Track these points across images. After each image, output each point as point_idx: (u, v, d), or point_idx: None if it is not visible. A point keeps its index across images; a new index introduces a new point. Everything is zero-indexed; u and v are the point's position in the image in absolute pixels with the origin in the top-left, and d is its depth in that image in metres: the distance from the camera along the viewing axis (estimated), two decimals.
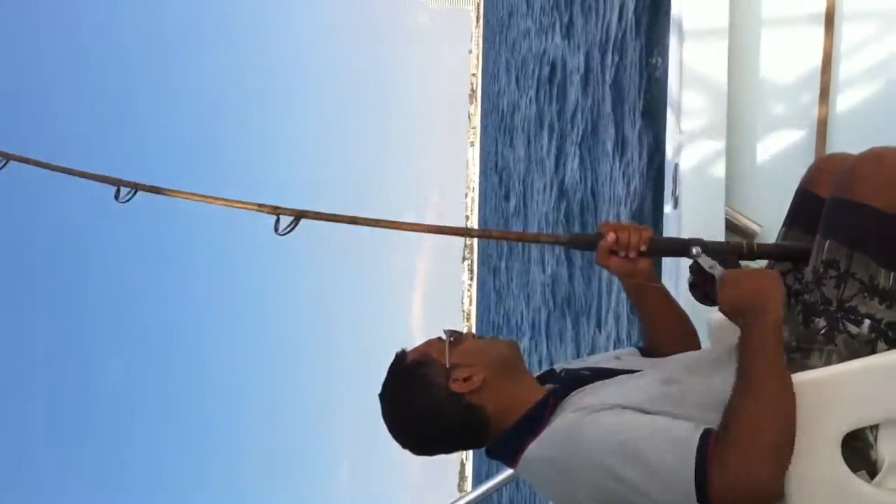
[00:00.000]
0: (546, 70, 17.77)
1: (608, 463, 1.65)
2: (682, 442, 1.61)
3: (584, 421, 1.74)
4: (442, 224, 2.26)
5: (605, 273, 2.11)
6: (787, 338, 1.98)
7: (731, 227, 2.74)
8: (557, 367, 2.13)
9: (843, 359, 1.77)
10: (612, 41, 10.70)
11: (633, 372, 1.96)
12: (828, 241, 1.84)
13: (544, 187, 16.85)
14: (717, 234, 2.68)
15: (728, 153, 2.78)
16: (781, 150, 2.89)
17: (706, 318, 2.28)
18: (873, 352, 1.77)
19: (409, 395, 1.96)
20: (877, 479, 1.73)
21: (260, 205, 2.27)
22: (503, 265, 27.58)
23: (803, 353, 1.83)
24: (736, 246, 2.08)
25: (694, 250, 1.99)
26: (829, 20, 2.84)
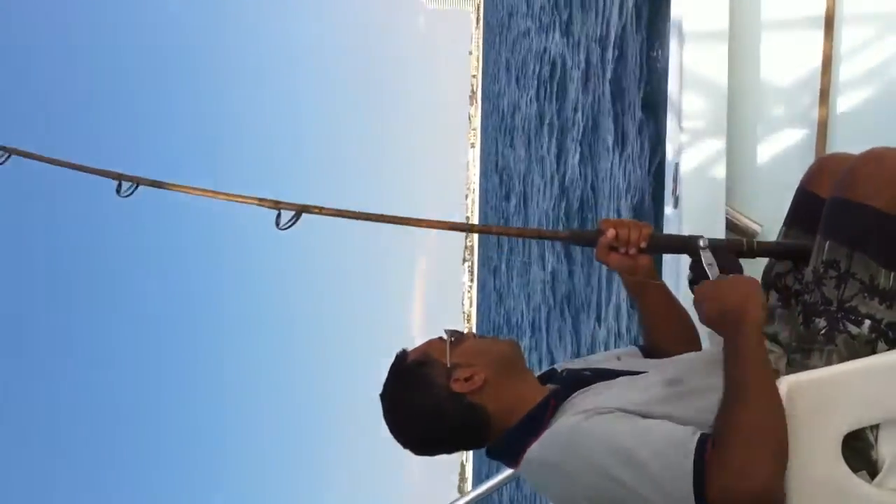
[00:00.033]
0: (546, 68, 17.76)
1: (607, 467, 1.65)
2: (680, 446, 1.61)
3: (584, 424, 1.73)
4: (443, 220, 2.26)
5: (605, 268, 2.12)
6: (788, 338, 1.99)
7: (731, 226, 2.75)
8: (559, 366, 2.13)
9: (843, 359, 1.78)
10: (612, 36, 10.69)
11: (634, 373, 1.95)
12: (828, 242, 1.85)
13: (544, 185, 16.84)
14: (718, 234, 2.68)
15: (728, 153, 2.78)
16: (782, 151, 2.90)
17: None
18: (874, 352, 1.77)
19: (410, 395, 1.96)
20: (877, 479, 1.73)
21: (261, 199, 2.28)
22: (503, 265, 27.56)
23: (804, 354, 1.83)
24: (736, 243, 2.08)
25: (701, 242, 2.00)
26: (829, 22, 2.85)
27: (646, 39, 8.80)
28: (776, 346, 2.06)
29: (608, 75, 10.79)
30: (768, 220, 2.70)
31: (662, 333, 2.17)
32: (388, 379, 2.01)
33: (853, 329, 1.78)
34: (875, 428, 1.75)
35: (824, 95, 2.83)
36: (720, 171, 2.77)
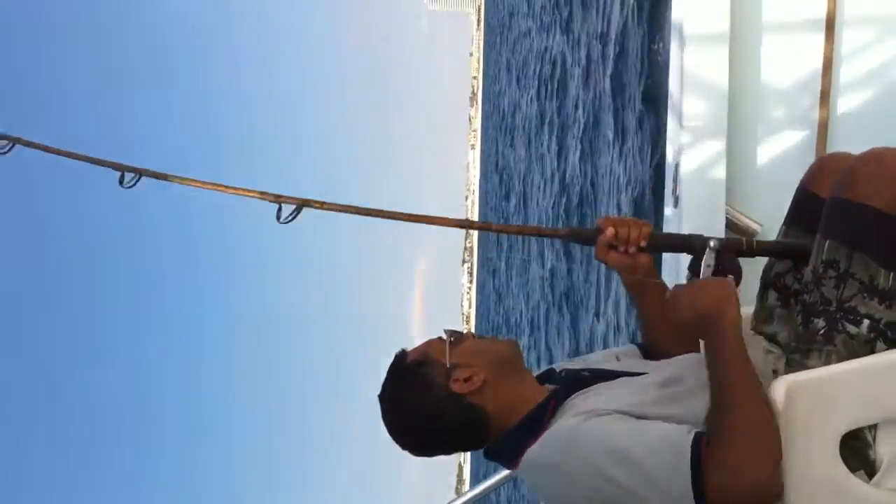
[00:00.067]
0: (547, 67, 17.76)
1: (605, 469, 1.66)
2: (676, 445, 1.62)
3: (583, 426, 1.74)
4: (443, 216, 2.26)
5: (603, 265, 2.12)
6: (787, 338, 1.99)
7: (731, 226, 2.75)
8: (557, 366, 2.12)
9: (842, 359, 1.78)
10: (613, 32, 10.67)
11: (633, 374, 1.95)
12: (828, 241, 1.85)
13: (544, 183, 16.84)
14: (718, 233, 2.68)
15: (729, 153, 2.78)
16: (782, 151, 2.90)
17: None
18: (872, 352, 1.77)
19: (409, 395, 1.95)
20: (875, 478, 1.74)
21: (262, 193, 2.28)
22: (503, 265, 27.55)
23: (802, 354, 1.84)
24: (735, 242, 2.08)
25: (712, 243, 2.00)
26: (830, 24, 2.86)
27: (647, 33, 8.76)
28: (775, 346, 2.07)
29: (609, 71, 10.77)
30: (768, 220, 2.70)
31: (661, 333, 2.16)
32: (387, 379, 2.01)
33: (852, 329, 1.78)
34: (873, 428, 1.75)
35: (825, 97, 2.84)
36: (720, 171, 2.77)
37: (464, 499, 2.65)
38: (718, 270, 1.97)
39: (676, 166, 2.82)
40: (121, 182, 2.54)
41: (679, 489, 1.58)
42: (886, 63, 2.86)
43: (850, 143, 2.17)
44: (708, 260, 1.99)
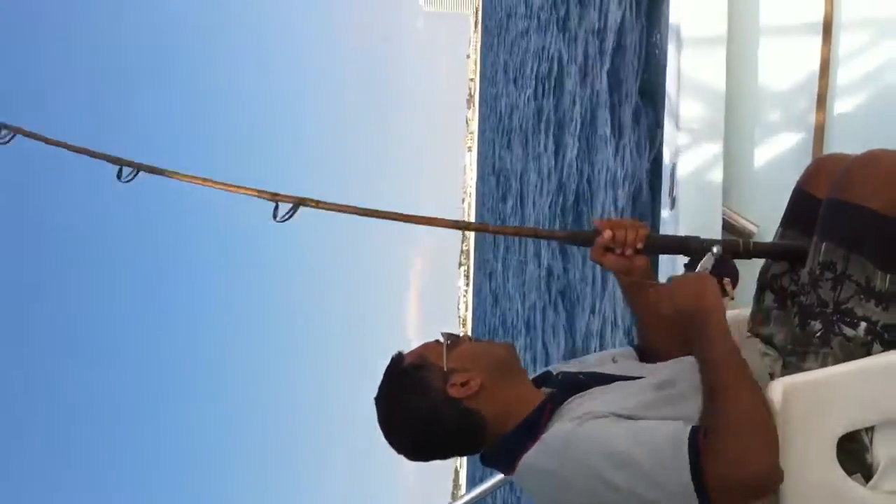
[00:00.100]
0: (544, 66, 17.72)
1: (602, 472, 1.66)
2: (673, 440, 1.62)
3: (578, 430, 1.73)
4: (440, 217, 2.26)
5: (599, 266, 2.11)
6: (783, 340, 1.99)
7: (728, 227, 2.76)
8: (553, 368, 2.12)
9: (838, 361, 1.78)
10: (610, 28, 10.61)
11: (629, 378, 1.95)
12: (824, 243, 1.84)
13: (541, 182, 16.79)
14: (714, 235, 2.68)
15: (726, 155, 2.79)
16: (779, 153, 2.91)
17: None
18: (869, 354, 1.77)
19: (406, 399, 1.94)
20: (872, 481, 1.74)
21: (259, 190, 2.28)
22: (499, 266, 27.50)
23: (799, 357, 1.84)
24: (732, 244, 2.08)
25: (715, 249, 2.00)
26: (827, 27, 2.87)
27: (645, 27, 8.70)
28: (771, 349, 2.07)
29: (606, 67, 10.70)
30: (765, 221, 2.71)
31: (657, 335, 2.15)
32: (383, 382, 1.99)
33: (849, 331, 1.78)
34: (870, 430, 1.75)
35: (821, 99, 2.85)
36: (717, 173, 2.78)
37: (460, 503, 2.64)
38: (715, 272, 1.98)
39: (673, 168, 2.82)
40: (119, 176, 2.55)
41: (680, 484, 1.58)
42: (883, 66, 2.86)
43: (846, 145, 2.17)
44: (706, 263, 1.99)
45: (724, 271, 1.97)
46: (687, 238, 2.08)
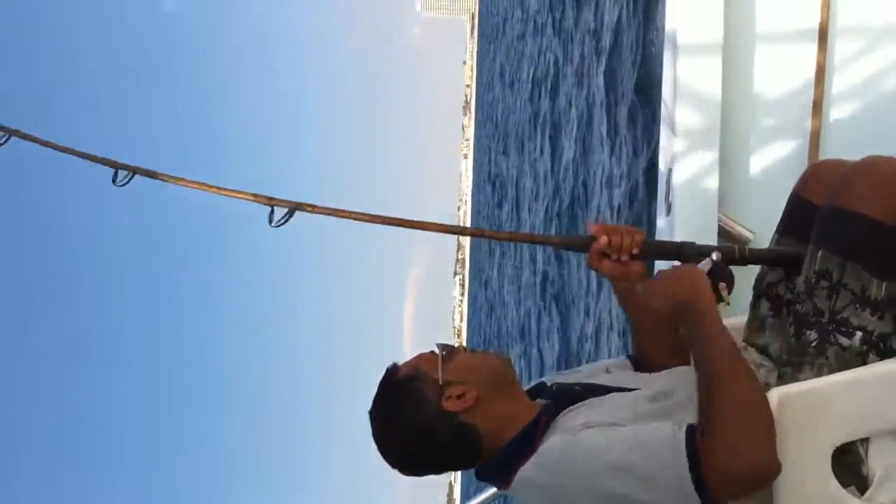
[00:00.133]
0: (541, 68, 17.73)
1: (600, 482, 1.65)
2: (670, 440, 1.61)
3: (573, 441, 1.72)
4: (436, 222, 2.25)
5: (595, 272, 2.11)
6: (778, 350, 1.99)
7: (723, 233, 2.76)
8: (548, 379, 2.10)
9: (833, 372, 1.77)
10: (606, 27, 10.59)
11: (624, 389, 1.94)
12: (820, 251, 1.84)
13: (537, 185, 16.79)
14: (710, 241, 2.68)
15: (721, 162, 2.79)
16: (775, 160, 2.91)
17: None
18: (864, 364, 1.76)
19: (400, 412, 1.91)
20: (867, 494, 1.72)
21: (255, 195, 2.27)
22: (495, 273, 27.47)
23: (794, 367, 1.83)
24: (728, 250, 2.08)
25: (714, 255, 1.99)
26: (823, 34, 2.87)
27: (642, 25, 8.67)
28: (766, 359, 2.05)
29: (602, 68, 10.68)
30: (761, 228, 2.70)
31: (652, 342, 2.15)
32: (377, 394, 1.97)
33: (844, 341, 1.77)
34: (865, 442, 1.74)
35: (817, 106, 2.85)
36: (713, 179, 2.78)
37: None
38: (711, 277, 1.97)
39: (669, 174, 2.82)
40: (114, 180, 2.53)
41: (679, 481, 1.57)
42: (879, 72, 2.87)
43: (842, 151, 2.17)
44: (703, 267, 1.98)
45: (721, 276, 1.96)
46: (683, 244, 2.07)
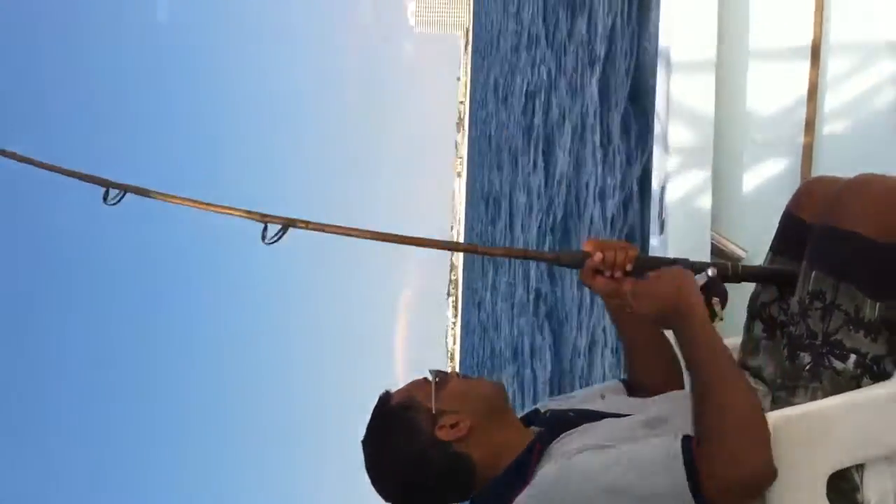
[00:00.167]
0: (534, 81, 17.76)
1: (598, 502, 1.64)
2: (666, 453, 1.60)
3: (567, 467, 1.70)
4: (429, 238, 2.25)
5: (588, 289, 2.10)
6: (772, 374, 1.97)
7: (716, 251, 2.75)
8: (542, 406, 2.08)
9: (828, 396, 1.75)
10: (600, 37, 10.56)
11: (619, 415, 1.92)
12: (814, 271, 1.83)
13: (530, 201, 16.80)
14: (703, 259, 2.68)
15: (714, 179, 2.79)
16: (767, 177, 2.91)
17: None
18: (858, 387, 1.75)
19: (393, 442, 1.88)
20: None
21: (248, 211, 2.24)
22: (488, 295, 27.36)
23: (788, 391, 1.81)
24: (721, 267, 2.07)
25: (710, 271, 1.97)
26: (815, 52, 2.87)
27: (636, 31, 8.64)
28: (760, 382, 2.04)
29: (595, 79, 10.67)
30: (754, 246, 2.70)
31: (645, 363, 2.13)
32: (370, 423, 1.94)
33: (838, 364, 1.76)
34: (860, 468, 1.72)
35: (810, 124, 2.85)
36: (706, 197, 2.77)
37: None
38: (704, 293, 1.96)
39: (662, 192, 2.82)
40: (105, 198, 2.49)
41: (676, 491, 1.56)
42: (871, 89, 2.87)
43: (834, 168, 2.17)
44: (697, 282, 1.97)
45: (714, 291, 1.94)
46: (675, 260, 2.07)
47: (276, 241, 2.20)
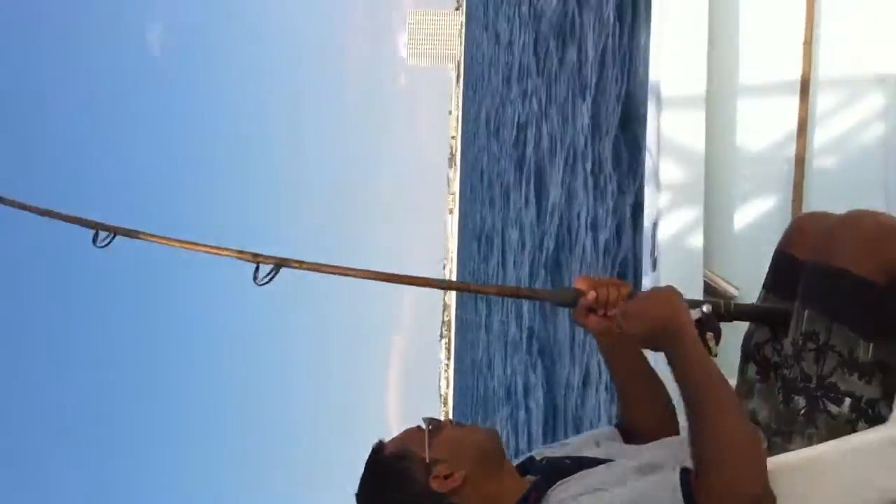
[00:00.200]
0: (525, 114, 17.76)
1: None
2: (663, 486, 1.58)
3: None
4: (421, 276, 2.23)
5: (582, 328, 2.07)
6: (767, 418, 1.94)
7: (709, 290, 2.74)
8: (536, 454, 2.04)
9: (823, 441, 1.74)
10: (590, 65, 10.58)
11: (614, 462, 1.89)
12: (807, 311, 1.82)
13: (523, 237, 16.76)
14: (696, 298, 2.68)
15: (706, 217, 2.78)
16: (759, 215, 2.91)
17: None
18: (854, 431, 1.73)
19: (387, 493, 1.84)
20: None
21: (240, 251, 2.20)
22: (482, 334, 27.23)
23: (784, 437, 1.80)
24: (714, 305, 2.06)
25: (705, 308, 1.97)
26: (805, 87, 2.88)
27: (627, 55, 8.65)
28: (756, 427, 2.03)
29: (587, 103, 10.69)
30: (746, 283, 2.69)
31: (638, 405, 2.10)
32: (364, 474, 1.90)
33: (833, 409, 1.75)
34: None
35: (800, 159, 2.86)
36: (698, 235, 2.77)
37: None
38: (699, 329, 1.95)
39: (654, 229, 2.81)
40: (94, 241, 2.46)
41: None
42: (860, 125, 2.88)
43: (825, 205, 2.17)
44: (695, 315, 1.96)
45: (708, 326, 1.94)
46: None
47: (267, 282, 2.15)
